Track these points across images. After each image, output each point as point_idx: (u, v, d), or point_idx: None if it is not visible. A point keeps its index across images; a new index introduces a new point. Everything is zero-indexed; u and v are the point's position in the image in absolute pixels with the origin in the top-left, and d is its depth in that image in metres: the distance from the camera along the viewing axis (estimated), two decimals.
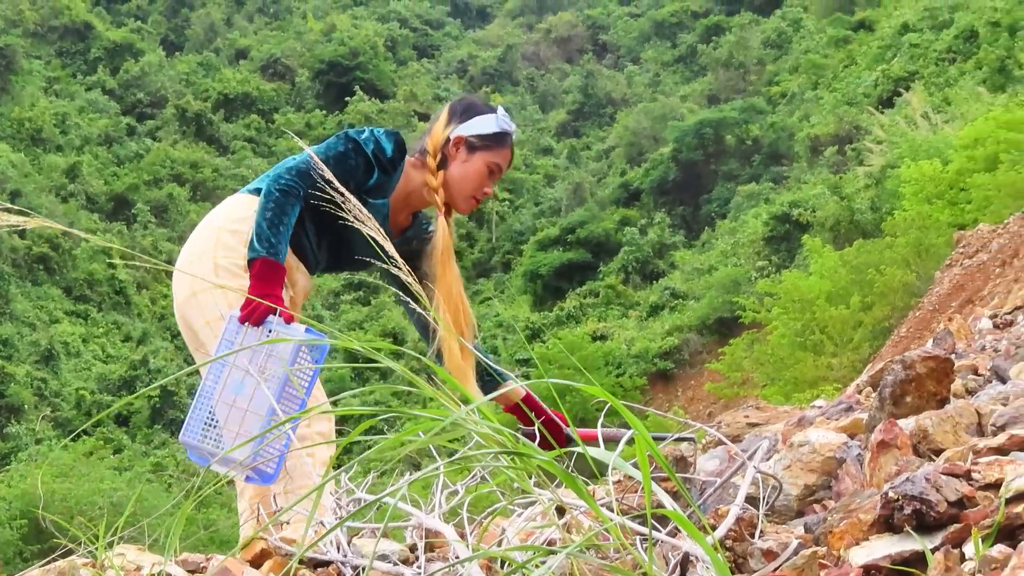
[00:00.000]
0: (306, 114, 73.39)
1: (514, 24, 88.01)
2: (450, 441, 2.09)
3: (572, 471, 2.06)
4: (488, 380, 4.00)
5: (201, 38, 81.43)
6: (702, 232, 53.37)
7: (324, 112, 73.18)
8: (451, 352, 3.85)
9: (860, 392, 6.62)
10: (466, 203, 3.99)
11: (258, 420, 3.37)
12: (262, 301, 3.44)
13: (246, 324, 3.47)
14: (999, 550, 2.22)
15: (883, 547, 2.42)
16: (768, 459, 3.54)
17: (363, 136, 3.84)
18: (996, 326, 9.52)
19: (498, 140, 3.97)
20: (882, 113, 44.58)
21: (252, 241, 3.61)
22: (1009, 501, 2.39)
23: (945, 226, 25.68)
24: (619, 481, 3.00)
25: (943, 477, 2.52)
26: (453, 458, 2.14)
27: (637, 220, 56.02)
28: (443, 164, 3.94)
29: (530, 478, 2.00)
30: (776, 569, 2.45)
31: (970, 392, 4.32)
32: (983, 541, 2.30)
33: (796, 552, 2.52)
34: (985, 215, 23.95)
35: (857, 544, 2.50)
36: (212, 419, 3.43)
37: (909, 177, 28.76)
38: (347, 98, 72.82)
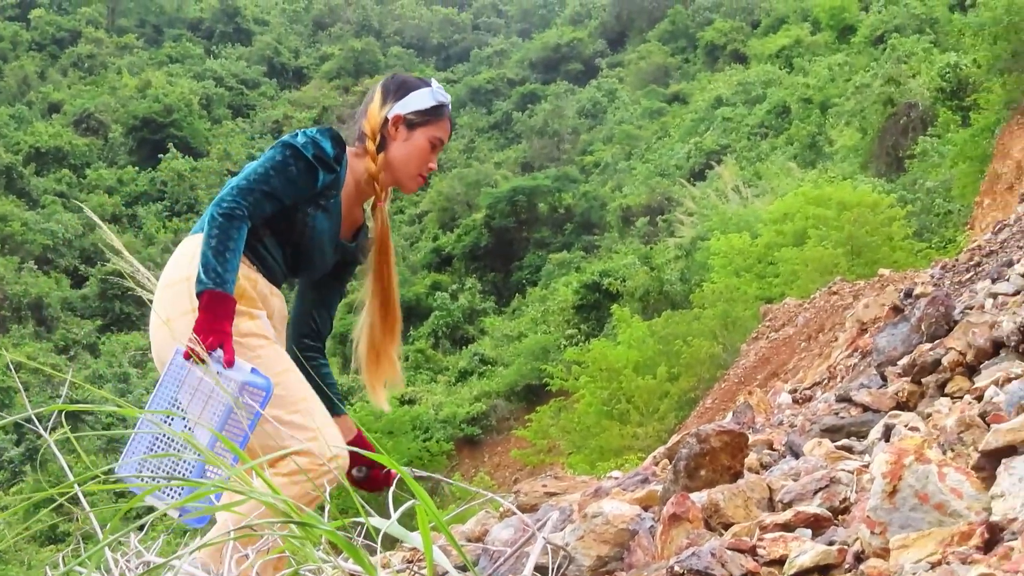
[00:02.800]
0: (119, 170, 72.28)
1: (330, 86, 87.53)
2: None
3: (360, 540, 2.08)
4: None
5: (14, 90, 79.52)
6: (512, 299, 53.29)
7: (137, 168, 72.10)
8: (370, 351, 3.93)
9: (657, 464, 6.25)
10: (413, 182, 3.89)
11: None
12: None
13: (191, 361, 3.30)
14: None
15: None
16: (562, 529, 3.73)
17: (299, 140, 3.66)
18: (795, 401, 9.35)
19: (436, 113, 3.87)
20: (694, 185, 45.17)
21: (199, 273, 3.41)
22: None
23: (752, 299, 25.92)
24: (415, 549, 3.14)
25: (729, 552, 2.72)
26: (239, 526, 2.27)
27: (448, 285, 55.79)
28: (382, 146, 3.84)
29: (317, 547, 2.04)
30: None
31: (764, 467, 4.62)
32: None
33: None
34: (792, 289, 24.21)
35: None
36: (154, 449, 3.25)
37: (718, 249, 29.02)
38: (160, 155, 71.84)
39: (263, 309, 3.62)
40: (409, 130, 3.83)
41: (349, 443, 3.83)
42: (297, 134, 3.68)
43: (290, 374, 3.51)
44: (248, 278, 3.60)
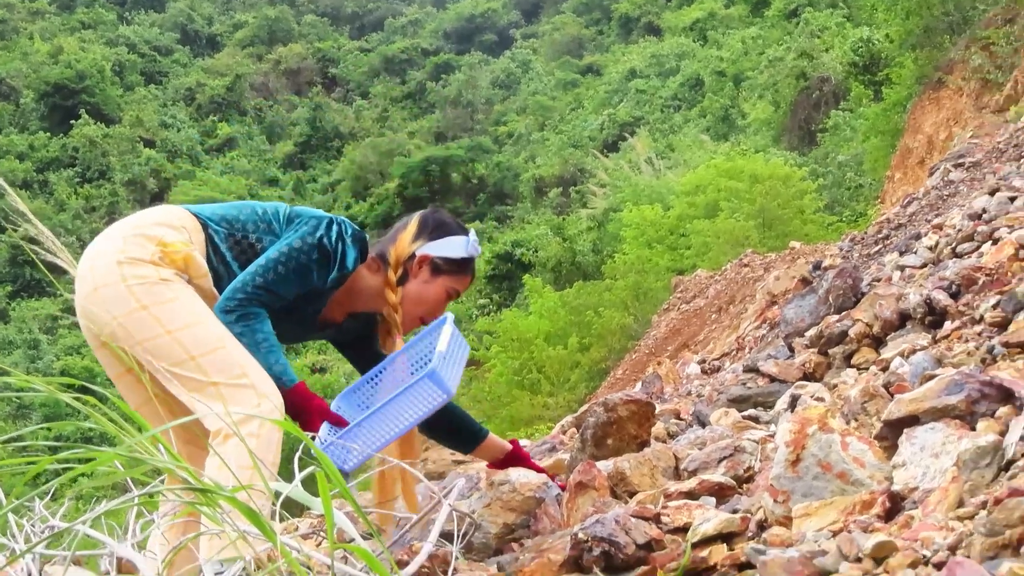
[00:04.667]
0: (30, 136, 71.31)
1: (244, 54, 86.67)
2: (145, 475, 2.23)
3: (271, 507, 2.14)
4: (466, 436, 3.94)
5: None
6: None
7: (49, 135, 70.81)
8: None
9: (565, 432, 6.25)
10: (411, 323, 3.77)
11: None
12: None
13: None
14: None
15: None
16: (469, 497, 3.68)
17: (333, 245, 3.54)
18: (704, 371, 9.43)
19: (464, 267, 3.74)
20: (607, 157, 45.23)
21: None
22: (695, 545, 2.58)
23: (664, 270, 25.98)
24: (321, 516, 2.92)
25: (633, 520, 2.71)
26: (144, 491, 2.24)
27: None
28: (403, 279, 3.70)
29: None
30: None
31: (671, 436, 4.64)
32: None
33: None
34: (703, 261, 24.32)
35: None
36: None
37: (631, 221, 29.05)
38: (72, 121, 70.67)
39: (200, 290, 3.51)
40: (433, 274, 3.70)
41: (510, 455, 3.93)
42: (336, 235, 3.55)
43: (208, 318, 3.39)
44: (200, 268, 3.49)
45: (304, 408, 3.45)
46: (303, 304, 3.60)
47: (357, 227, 3.61)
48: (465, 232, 3.76)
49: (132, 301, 3.34)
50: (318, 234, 3.53)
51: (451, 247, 3.71)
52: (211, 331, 3.35)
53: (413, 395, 3.37)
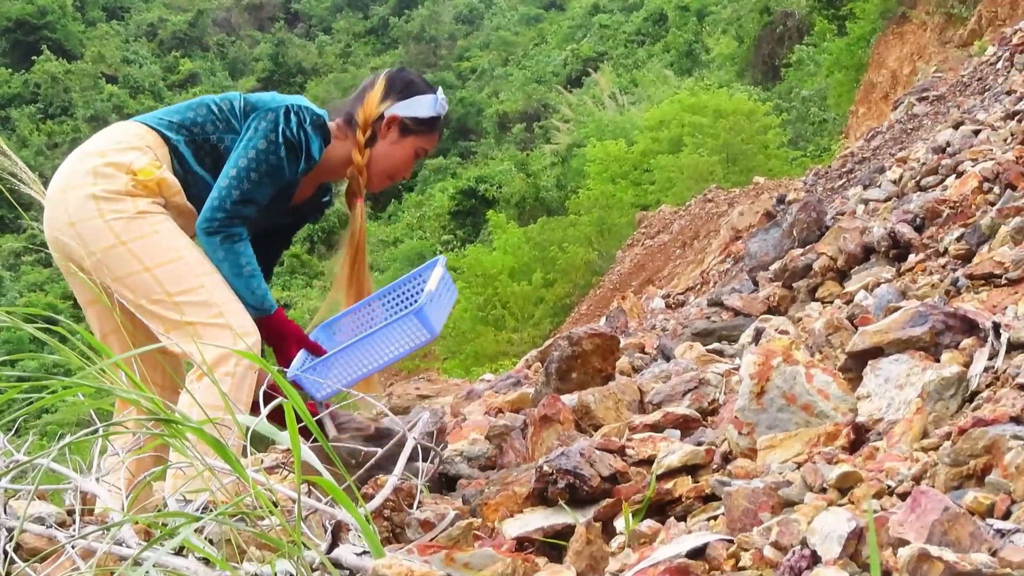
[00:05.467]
0: None
1: None
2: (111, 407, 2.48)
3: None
4: None
5: None
6: (388, 204, 52.93)
7: (10, 71, 70.06)
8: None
9: (529, 367, 6.29)
10: (380, 182, 3.76)
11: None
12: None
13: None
14: (648, 525, 2.34)
15: (536, 520, 2.58)
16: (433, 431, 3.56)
17: (297, 136, 3.50)
18: (668, 306, 9.48)
19: (432, 125, 3.73)
20: (570, 92, 45.13)
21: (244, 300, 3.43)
22: (660, 477, 2.58)
23: (628, 206, 26.00)
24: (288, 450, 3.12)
25: (597, 452, 2.70)
26: (108, 423, 2.32)
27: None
28: (371, 140, 3.67)
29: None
30: (432, 539, 2.53)
31: (636, 370, 4.63)
32: (634, 516, 2.46)
33: (453, 523, 2.61)
34: (668, 196, 24.36)
35: (511, 516, 2.66)
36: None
37: (594, 156, 29.07)
38: (34, 57, 69.70)
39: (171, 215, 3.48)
40: (402, 134, 3.67)
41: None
42: (296, 123, 3.51)
43: (187, 253, 3.38)
44: (172, 187, 3.46)
45: (282, 334, 3.47)
46: (276, 197, 3.58)
47: (316, 111, 3.58)
48: (433, 90, 3.74)
49: (110, 236, 3.34)
50: (279, 128, 3.49)
51: (420, 106, 3.68)
52: (190, 268, 3.36)
53: (396, 330, 3.37)
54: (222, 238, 3.39)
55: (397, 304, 3.71)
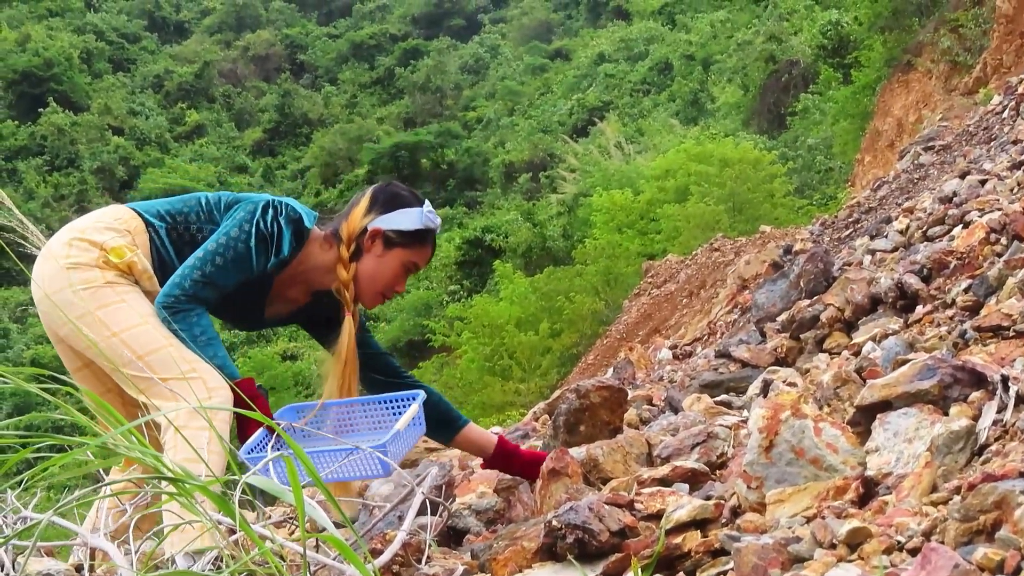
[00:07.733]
0: None
1: (212, 40, 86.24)
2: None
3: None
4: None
5: None
6: None
7: (17, 123, 70.45)
8: None
9: (537, 419, 6.25)
10: (373, 299, 3.69)
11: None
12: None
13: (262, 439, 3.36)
14: None
15: (545, 575, 2.62)
16: (442, 484, 3.61)
17: (270, 229, 3.51)
18: (676, 357, 9.44)
19: (419, 238, 3.66)
20: (576, 142, 45.20)
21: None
22: (669, 532, 2.58)
23: (634, 255, 25.97)
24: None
25: (606, 507, 2.70)
26: (116, 480, 2.47)
27: None
28: (357, 255, 3.63)
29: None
30: None
31: (644, 422, 4.65)
32: (643, 571, 2.46)
33: None
34: (674, 246, 24.33)
35: (520, 572, 2.68)
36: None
37: (600, 206, 29.05)
38: (40, 109, 70.21)
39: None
40: (386, 247, 3.62)
41: (499, 452, 3.80)
42: (272, 218, 3.51)
43: (153, 320, 3.40)
44: (143, 272, 3.50)
45: (245, 406, 3.40)
46: (246, 291, 3.56)
47: (296, 208, 3.58)
48: (420, 203, 3.68)
49: (80, 306, 3.38)
50: (254, 219, 3.50)
51: (403, 219, 3.63)
52: (158, 330, 3.38)
53: (356, 457, 3.31)
54: (175, 312, 3.40)
55: (374, 417, 3.64)
